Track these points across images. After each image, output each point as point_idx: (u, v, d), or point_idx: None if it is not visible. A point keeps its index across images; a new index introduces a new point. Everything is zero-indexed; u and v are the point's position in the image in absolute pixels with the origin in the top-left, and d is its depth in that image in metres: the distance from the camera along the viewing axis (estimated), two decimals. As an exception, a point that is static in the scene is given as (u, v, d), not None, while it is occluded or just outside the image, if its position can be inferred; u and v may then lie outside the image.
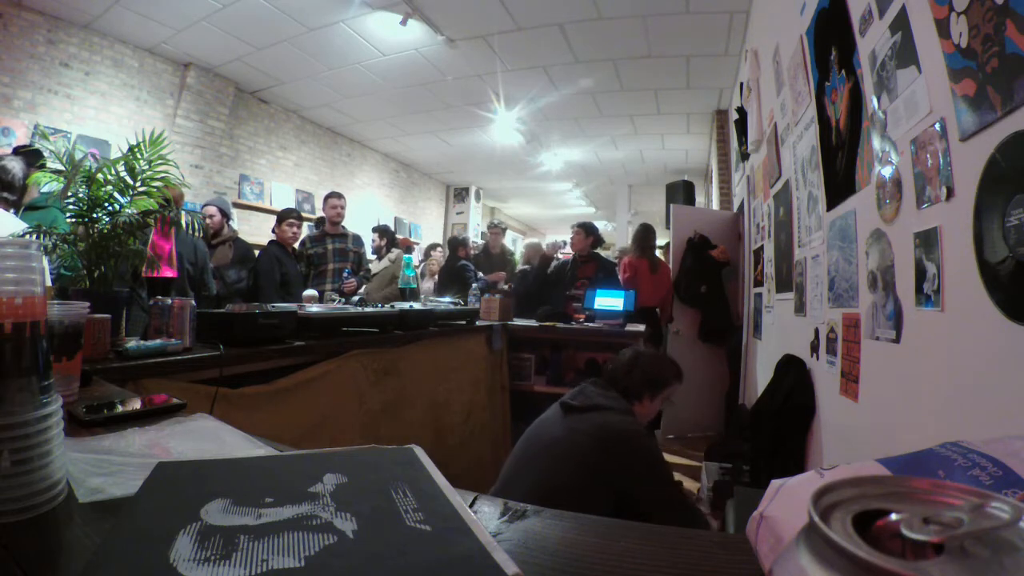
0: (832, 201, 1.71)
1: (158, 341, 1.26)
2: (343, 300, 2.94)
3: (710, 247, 4.07)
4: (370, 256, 4.45)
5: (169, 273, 2.85)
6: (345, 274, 3.49)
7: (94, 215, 1.34)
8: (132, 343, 1.21)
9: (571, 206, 10.54)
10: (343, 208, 3.76)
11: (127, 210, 1.39)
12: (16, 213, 2.15)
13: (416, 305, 2.46)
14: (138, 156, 1.40)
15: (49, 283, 1.47)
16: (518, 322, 3.21)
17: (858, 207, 1.48)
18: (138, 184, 1.42)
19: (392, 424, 1.93)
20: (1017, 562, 0.19)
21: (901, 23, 1.16)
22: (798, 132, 2.14)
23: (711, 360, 4.09)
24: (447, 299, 3.24)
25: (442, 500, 0.44)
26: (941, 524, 0.20)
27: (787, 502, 0.35)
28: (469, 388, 2.61)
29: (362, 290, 3.71)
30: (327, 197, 3.79)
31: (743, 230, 3.99)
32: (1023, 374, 0.78)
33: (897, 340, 1.21)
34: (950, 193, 0.98)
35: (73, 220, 1.39)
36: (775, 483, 0.37)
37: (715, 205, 5.54)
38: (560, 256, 4.70)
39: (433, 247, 5.79)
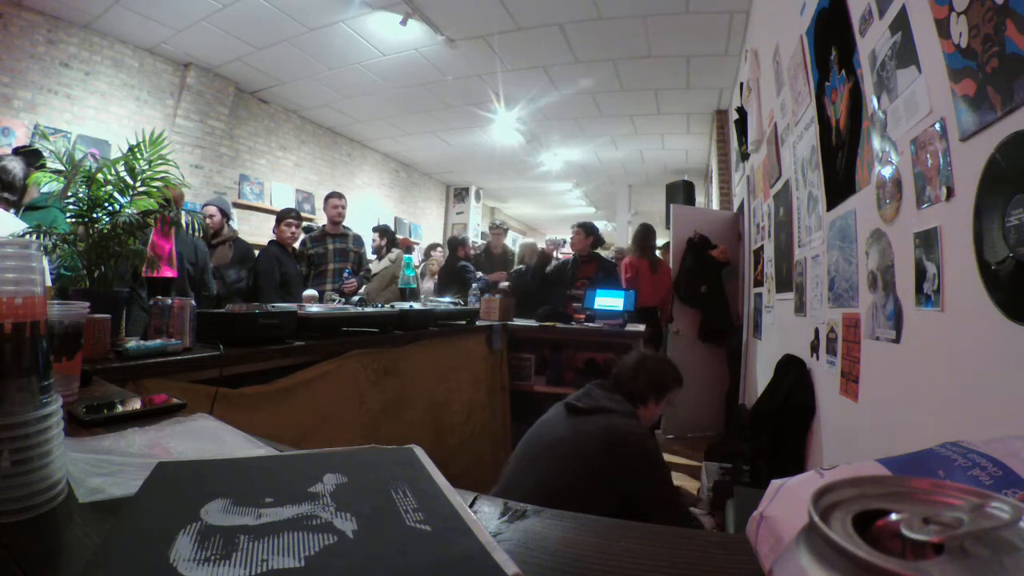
0: (832, 201, 1.71)
1: (158, 341, 1.26)
2: (343, 300, 2.94)
3: (710, 247, 4.07)
4: (370, 256, 4.45)
5: (169, 273, 2.85)
6: (345, 274, 3.49)
7: (94, 215, 1.34)
8: (132, 343, 1.21)
9: (571, 206, 10.53)
10: (344, 208, 3.77)
11: (127, 210, 1.39)
12: (16, 213, 2.15)
13: (416, 305, 2.46)
14: (138, 156, 1.40)
15: (49, 283, 1.47)
16: (518, 322, 3.21)
17: (858, 207, 1.48)
18: (138, 184, 1.41)
19: (392, 424, 1.93)
20: (1017, 562, 0.19)
21: (901, 23, 1.16)
22: (798, 132, 2.14)
23: (711, 360, 4.09)
24: (447, 299, 3.24)
25: (442, 500, 0.44)
26: (941, 524, 0.20)
27: (787, 502, 0.34)
28: (469, 388, 2.61)
29: (362, 290, 3.71)
30: (328, 197, 3.79)
31: (743, 230, 3.99)
32: (1023, 374, 0.78)
33: (897, 340, 1.21)
34: (950, 193, 0.98)
35: (73, 220, 1.38)
36: (775, 483, 0.37)
37: (715, 205, 5.54)
38: (559, 255, 4.70)
39: (433, 247, 5.78)
